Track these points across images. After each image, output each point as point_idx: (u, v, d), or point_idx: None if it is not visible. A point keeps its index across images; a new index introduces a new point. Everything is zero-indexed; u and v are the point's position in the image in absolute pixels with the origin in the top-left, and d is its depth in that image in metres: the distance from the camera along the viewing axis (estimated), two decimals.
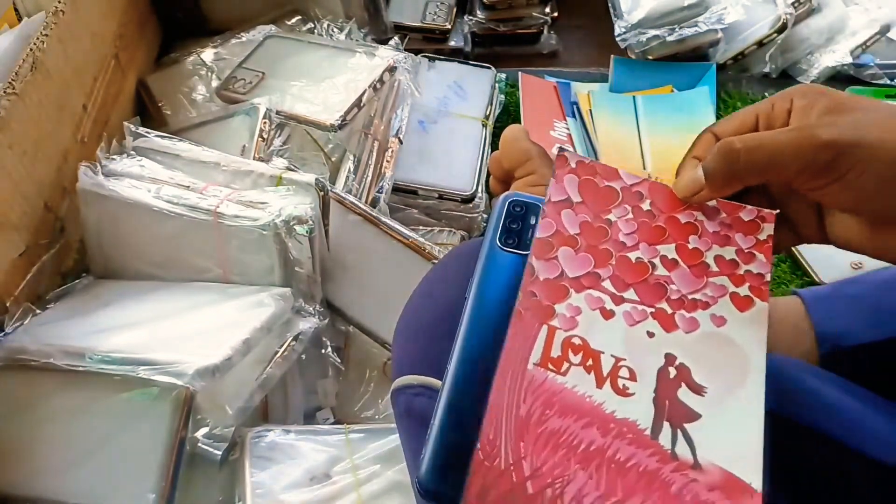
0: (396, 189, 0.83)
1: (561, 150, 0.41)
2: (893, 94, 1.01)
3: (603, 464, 0.32)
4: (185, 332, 0.61)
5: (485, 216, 0.85)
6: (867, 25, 1.05)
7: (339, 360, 0.71)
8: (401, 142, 0.84)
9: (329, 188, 0.71)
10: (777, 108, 0.39)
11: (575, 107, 1.01)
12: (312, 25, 1.00)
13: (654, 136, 0.97)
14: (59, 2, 0.75)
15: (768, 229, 0.40)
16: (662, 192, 0.41)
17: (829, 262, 0.83)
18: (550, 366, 0.34)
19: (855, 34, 1.05)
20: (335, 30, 0.97)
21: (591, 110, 0.99)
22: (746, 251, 0.39)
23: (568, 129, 0.98)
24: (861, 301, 0.60)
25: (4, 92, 0.65)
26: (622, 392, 0.34)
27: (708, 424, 0.34)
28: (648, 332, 0.36)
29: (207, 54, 0.95)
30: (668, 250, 0.39)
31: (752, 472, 0.33)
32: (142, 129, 0.77)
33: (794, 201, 0.41)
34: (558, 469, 0.31)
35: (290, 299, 0.65)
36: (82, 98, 0.79)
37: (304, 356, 0.66)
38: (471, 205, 0.84)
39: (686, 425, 0.34)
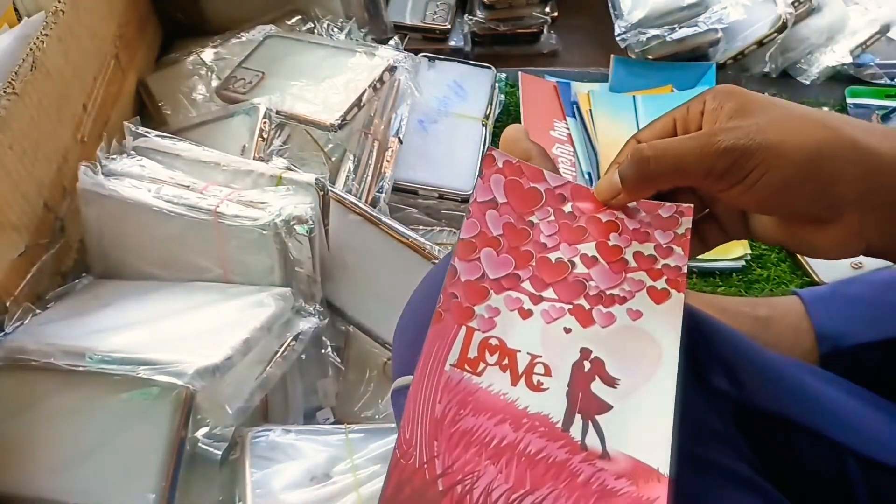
0: (396, 189, 0.83)
1: (489, 149, 0.42)
2: (893, 94, 1.01)
3: (513, 458, 0.33)
4: (185, 332, 0.61)
5: None
6: (867, 25, 1.05)
7: (339, 360, 0.71)
8: (401, 141, 0.84)
9: (329, 188, 0.71)
10: (691, 111, 0.40)
11: (575, 106, 1.01)
12: (312, 25, 1.00)
13: None
14: (59, 2, 0.75)
15: (686, 223, 0.41)
16: (584, 193, 0.42)
17: (828, 262, 0.83)
18: (467, 367, 0.35)
19: (855, 34, 1.05)
20: (335, 30, 0.97)
21: (590, 110, 0.99)
22: (665, 246, 0.40)
23: (568, 128, 0.98)
24: (861, 301, 0.60)
25: (4, 92, 0.65)
26: (536, 388, 0.35)
27: (619, 415, 0.35)
28: (565, 329, 0.37)
29: (207, 54, 0.95)
30: (589, 248, 0.40)
31: (660, 458, 0.33)
32: (142, 129, 0.77)
33: (719, 201, 0.42)
34: (469, 465, 0.32)
35: (290, 299, 0.65)
36: (82, 98, 0.79)
37: (304, 356, 0.66)
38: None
39: (597, 417, 0.35)
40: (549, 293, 0.38)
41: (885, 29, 1.04)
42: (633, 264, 0.40)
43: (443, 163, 0.87)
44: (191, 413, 0.55)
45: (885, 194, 0.36)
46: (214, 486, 0.58)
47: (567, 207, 0.41)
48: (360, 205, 0.74)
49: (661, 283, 0.39)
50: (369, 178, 0.80)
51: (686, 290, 0.39)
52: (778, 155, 0.36)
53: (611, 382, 0.36)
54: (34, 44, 0.70)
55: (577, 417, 0.34)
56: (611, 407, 0.35)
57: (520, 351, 0.36)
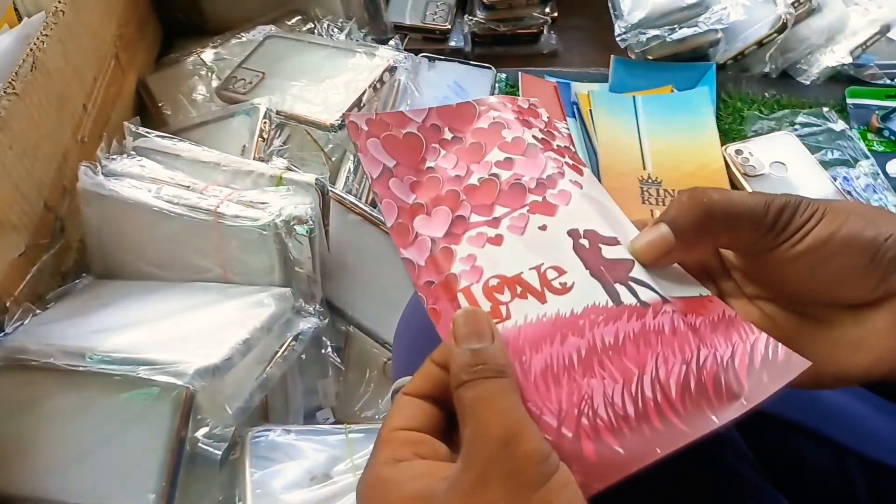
0: None
1: (346, 117, 0.41)
2: (893, 95, 1.01)
3: (603, 358, 0.31)
4: (185, 332, 0.61)
5: None
6: (867, 25, 1.05)
7: (339, 360, 0.71)
8: None
9: (329, 188, 0.71)
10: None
11: (575, 107, 1.01)
12: (312, 25, 1.00)
13: (654, 136, 0.97)
14: (59, 2, 0.75)
15: (545, 113, 0.41)
16: (451, 113, 0.40)
17: None
18: (494, 321, 0.33)
19: (855, 34, 1.05)
20: (335, 30, 0.97)
21: (591, 110, 0.99)
22: (546, 130, 0.40)
23: (568, 129, 0.98)
24: None
25: (4, 92, 0.65)
26: (563, 290, 0.33)
27: (638, 266, 0.35)
28: (539, 227, 0.36)
29: (207, 54, 0.95)
30: (495, 155, 0.38)
31: (695, 287, 0.35)
32: (142, 129, 0.77)
33: (758, 264, 0.36)
34: (574, 396, 0.30)
35: (290, 299, 0.65)
36: (82, 98, 0.79)
37: (304, 356, 0.66)
38: None
39: (630, 275, 0.34)
40: (499, 211, 0.36)
41: (885, 29, 1.04)
42: (539, 146, 0.39)
43: None
44: (191, 413, 0.55)
45: None
46: (214, 486, 0.58)
47: (447, 135, 0.40)
48: (360, 205, 0.74)
49: (569, 160, 0.39)
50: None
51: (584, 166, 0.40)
52: (838, 209, 0.32)
53: (613, 242, 0.35)
54: (34, 44, 0.70)
55: (618, 287, 0.33)
56: (632, 260, 0.35)
57: (521, 272, 0.34)
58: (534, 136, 0.39)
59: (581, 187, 0.38)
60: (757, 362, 0.31)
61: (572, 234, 0.35)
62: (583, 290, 0.33)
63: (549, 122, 0.41)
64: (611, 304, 0.33)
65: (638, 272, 0.34)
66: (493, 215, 0.36)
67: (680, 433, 0.29)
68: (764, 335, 0.32)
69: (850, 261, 0.32)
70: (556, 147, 0.39)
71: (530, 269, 0.34)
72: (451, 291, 0.34)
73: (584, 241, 0.35)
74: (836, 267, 0.32)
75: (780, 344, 0.31)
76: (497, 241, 0.35)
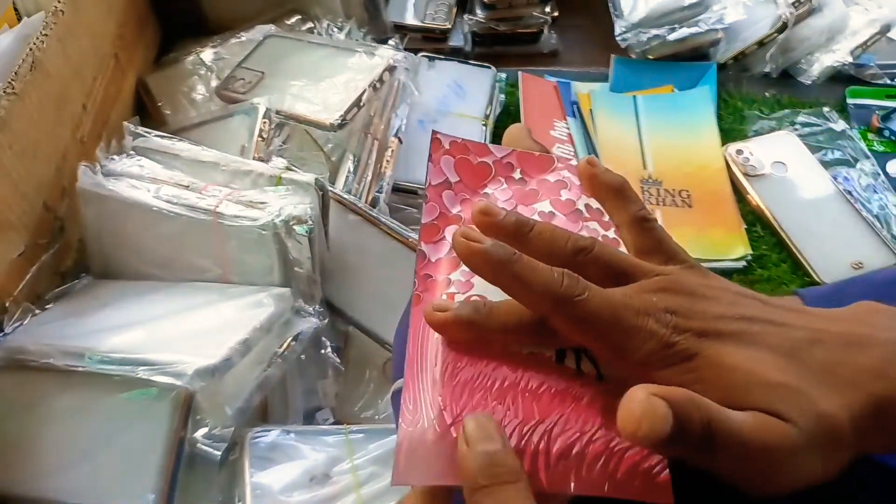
0: (396, 189, 0.83)
1: (434, 133, 0.43)
2: (893, 94, 1.01)
3: (518, 395, 0.34)
4: (185, 333, 0.61)
5: None
6: (867, 25, 1.05)
7: (338, 360, 0.71)
8: (401, 141, 0.84)
9: (329, 188, 0.70)
10: None
11: (575, 106, 1.01)
12: (312, 25, 0.99)
13: (654, 135, 0.97)
14: (59, 2, 0.75)
15: None
16: (529, 159, 0.43)
17: (829, 262, 0.83)
18: None
19: (855, 34, 1.05)
20: (335, 29, 0.97)
21: (591, 110, 0.99)
22: None
23: (568, 128, 0.98)
24: (861, 301, 0.60)
25: (4, 92, 0.65)
26: None
27: None
28: None
29: (207, 54, 0.94)
30: (544, 206, 0.41)
31: None
32: (141, 129, 0.77)
33: None
34: (478, 409, 0.33)
35: (290, 299, 0.65)
36: (82, 98, 0.79)
37: (303, 356, 0.66)
38: None
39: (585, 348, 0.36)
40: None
41: (886, 29, 1.04)
42: (586, 214, 0.41)
43: None
44: (190, 413, 0.55)
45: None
46: (214, 486, 0.58)
47: (516, 174, 0.42)
48: (360, 205, 0.74)
49: (611, 234, 0.41)
50: (369, 178, 0.80)
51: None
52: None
53: None
54: (34, 44, 0.70)
55: (569, 351, 0.35)
56: None
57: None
58: (586, 205, 0.41)
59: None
60: (641, 468, 0.32)
61: None
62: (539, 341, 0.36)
63: None
64: (553, 359, 0.35)
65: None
66: None
67: (536, 481, 0.32)
68: (664, 458, 0.33)
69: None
70: (604, 220, 0.41)
71: None
72: (439, 290, 0.37)
73: None
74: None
75: (667, 470, 0.32)
76: None
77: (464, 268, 0.37)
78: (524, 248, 0.34)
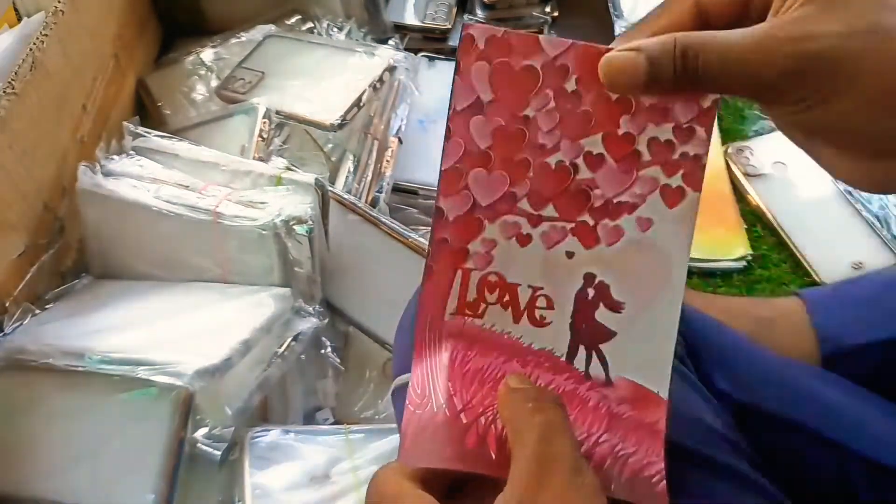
0: (396, 189, 0.83)
1: (466, 26, 0.33)
2: None
3: None
4: (185, 333, 0.61)
5: None
6: None
7: (338, 360, 0.71)
8: (401, 141, 0.84)
9: (329, 188, 0.70)
10: None
11: None
12: (312, 25, 0.99)
13: None
14: (59, 2, 0.75)
15: (712, 96, 0.34)
16: (591, 59, 0.33)
17: (829, 262, 0.83)
18: (467, 311, 0.35)
19: None
20: (335, 29, 0.97)
21: None
22: (685, 126, 0.34)
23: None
24: (862, 302, 0.60)
25: (4, 92, 0.65)
26: (539, 323, 0.35)
27: (622, 341, 0.35)
28: (567, 253, 0.35)
29: (207, 54, 0.94)
30: (594, 144, 0.34)
31: (658, 382, 0.34)
32: (141, 129, 0.77)
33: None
34: (487, 399, 0.33)
35: (290, 299, 0.65)
36: (82, 98, 0.79)
37: (303, 356, 0.66)
38: None
39: (601, 346, 0.35)
40: (549, 211, 0.34)
41: None
42: (646, 157, 0.34)
43: None
44: (190, 413, 0.55)
45: None
46: (214, 486, 0.58)
47: (570, 84, 0.33)
48: (360, 205, 0.74)
49: (676, 180, 0.34)
50: (369, 178, 0.80)
51: (702, 188, 0.35)
52: (861, 76, 0.27)
53: (616, 307, 0.35)
54: (34, 44, 0.70)
55: (581, 349, 0.35)
56: (615, 334, 0.35)
57: (520, 285, 0.35)
58: (650, 139, 0.34)
59: (647, 227, 0.34)
60: (641, 476, 0.33)
61: (587, 278, 0.35)
62: (552, 333, 0.35)
63: (701, 113, 0.34)
64: (564, 358, 0.35)
65: (609, 346, 0.35)
66: (539, 212, 0.34)
67: None
68: (662, 464, 0.33)
69: (869, 138, 0.30)
70: (673, 159, 0.34)
71: (529, 286, 0.35)
72: (455, 263, 0.35)
73: (591, 292, 0.35)
74: (851, 137, 0.31)
75: (664, 482, 0.33)
76: (525, 240, 0.35)
77: (485, 234, 0.34)
78: None
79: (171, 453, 0.54)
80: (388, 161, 0.82)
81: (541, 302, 0.35)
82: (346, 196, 0.74)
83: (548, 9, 1.12)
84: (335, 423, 0.68)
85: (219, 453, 0.57)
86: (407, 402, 0.33)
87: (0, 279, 0.64)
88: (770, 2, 0.30)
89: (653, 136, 0.34)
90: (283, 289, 0.65)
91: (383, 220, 0.73)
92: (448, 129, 0.34)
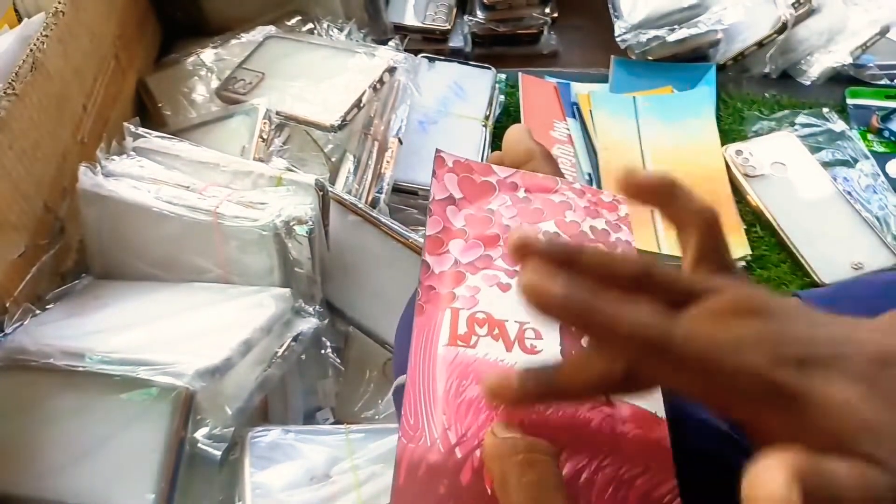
0: (396, 189, 0.83)
1: (438, 151, 0.43)
2: (894, 95, 1.01)
3: (524, 417, 0.33)
4: (185, 333, 0.61)
5: None
6: (867, 26, 1.05)
7: (338, 361, 0.71)
8: (401, 142, 0.84)
9: (329, 189, 0.70)
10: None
11: (575, 107, 1.01)
12: (312, 26, 1.00)
13: (654, 136, 0.97)
14: (59, 2, 0.75)
15: (625, 209, 0.43)
16: (534, 180, 0.43)
17: (829, 262, 0.83)
18: (459, 342, 0.35)
19: (855, 34, 1.05)
20: (335, 30, 0.97)
21: (591, 111, 0.99)
22: (613, 223, 0.42)
23: (568, 129, 0.98)
24: (862, 302, 0.60)
25: (4, 92, 0.65)
26: (531, 351, 0.36)
27: None
28: None
29: (207, 55, 0.95)
30: (549, 225, 0.41)
31: (655, 404, 0.35)
32: (141, 130, 0.77)
33: None
34: (483, 431, 0.32)
35: (290, 300, 0.65)
36: (82, 98, 0.79)
37: (303, 356, 0.66)
38: None
39: None
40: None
41: (885, 30, 1.04)
42: (590, 236, 0.41)
43: None
44: (190, 413, 0.55)
45: None
46: (214, 486, 0.58)
47: (521, 193, 0.43)
48: (360, 205, 0.74)
49: (623, 235, 0.41)
50: (369, 179, 0.80)
51: None
52: None
53: None
54: (34, 44, 0.70)
55: None
56: None
57: (507, 321, 0.36)
58: (591, 226, 0.42)
59: None
60: (652, 496, 0.32)
61: None
62: (545, 360, 0.35)
63: (620, 218, 0.43)
64: None
65: None
66: (514, 268, 0.39)
67: None
68: (674, 481, 0.33)
69: None
70: (611, 241, 0.41)
71: (516, 321, 0.37)
72: (443, 304, 0.37)
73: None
74: None
75: (678, 499, 0.32)
76: (505, 288, 0.38)
77: (468, 283, 0.38)
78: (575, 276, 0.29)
79: (171, 453, 0.54)
80: (388, 162, 0.82)
81: (529, 333, 0.36)
82: (346, 196, 0.74)
83: (547, 9, 1.12)
84: (335, 423, 0.68)
85: (219, 453, 0.57)
86: (400, 434, 0.32)
87: (0, 279, 0.64)
88: None
89: (592, 224, 0.42)
90: (283, 289, 0.65)
91: (383, 220, 0.73)
92: (429, 209, 0.41)
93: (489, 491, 0.31)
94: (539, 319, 0.33)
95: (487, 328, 0.36)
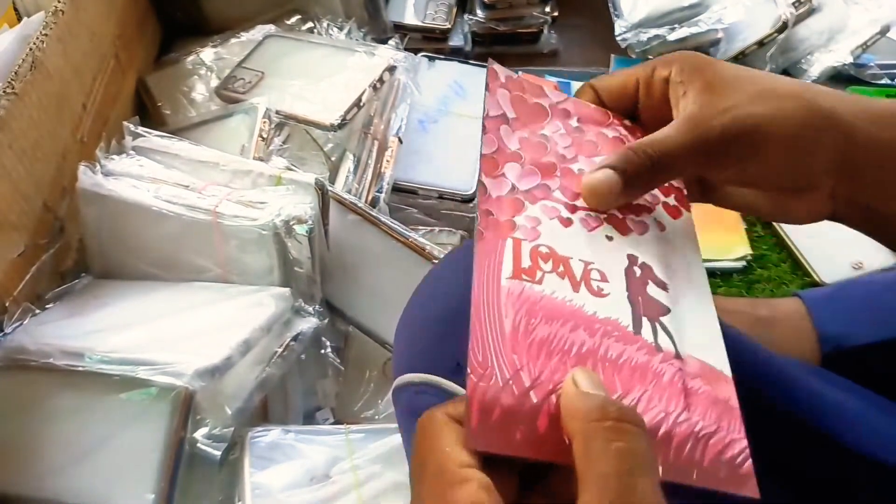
0: (396, 189, 0.83)
1: (490, 62, 0.41)
2: (894, 94, 1.01)
3: (598, 362, 0.32)
4: (185, 332, 0.61)
5: None
6: (867, 25, 1.05)
7: (338, 360, 0.71)
8: (401, 141, 0.84)
9: (329, 188, 0.70)
10: (656, 76, 0.40)
11: None
12: (312, 25, 0.99)
13: None
14: (59, 2, 0.75)
15: None
16: (586, 109, 0.42)
17: (829, 262, 0.83)
18: (524, 276, 0.33)
19: (855, 34, 1.05)
20: (335, 29, 0.97)
21: None
22: None
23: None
24: (862, 302, 0.60)
25: (4, 92, 0.65)
26: (598, 293, 0.34)
27: (676, 317, 0.35)
28: (607, 237, 0.37)
29: (207, 54, 0.94)
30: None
31: (721, 362, 0.34)
32: (141, 129, 0.77)
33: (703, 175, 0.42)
34: (557, 374, 0.30)
35: (290, 299, 0.65)
36: (82, 97, 0.79)
37: (303, 356, 0.66)
38: (471, 205, 0.84)
39: (662, 319, 0.35)
40: (581, 202, 0.38)
41: (886, 29, 1.04)
42: None
43: (443, 163, 0.87)
44: (190, 413, 0.55)
45: (856, 161, 0.37)
46: (214, 486, 0.58)
47: (573, 122, 0.41)
48: (360, 205, 0.74)
49: (671, 200, 0.40)
50: (369, 178, 0.80)
51: (691, 209, 0.40)
52: (768, 135, 0.37)
53: (662, 286, 0.36)
54: (34, 44, 0.70)
55: (645, 320, 0.34)
56: (669, 309, 0.35)
57: (571, 258, 0.35)
58: None
59: (663, 229, 0.39)
60: (725, 457, 0.31)
61: (631, 258, 0.36)
62: (614, 304, 0.34)
63: None
64: (631, 328, 0.33)
65: (668, 320, 0.35)
66: (574, 202, 0.38)
67: None
68: (745, 441, 0.31)
69: (780, 175, 0.38)
70: (664, 185, 0.41)
71: (580, 260, 0.35)
72: (504, 232, 0.35)
73: (637, 270, 0.36)
74: (768, 177, 0.38)
75: (749, 460, 0.31)
76: (566, 223, 0.37)
77: (528, 212, 0.36)
78: None
79: (170, 453, 0.54)
80: (388, 161, 0.82)
81: (595, 275, 0.35)
82: (346, 196, 0.74)
83: (548, 9, 1.12)
84: (335, 423, 0.68)
85: (219, 453, 0.57)
86: (469, 370, 0.29)
87: (0, 279, 0.64)
88: (655, 99, 0.41)
89: None
90: (282, 289, 0.65)
91: (383, 219, 0.73)
92: (483, 126, 0.38)
93: (567, 441, 0.28)
94: (605, 260, 0.35)
95: (552, 264, 0.34)
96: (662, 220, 0.39)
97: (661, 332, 0.34)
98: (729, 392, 0.33)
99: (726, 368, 0.34)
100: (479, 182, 0.36)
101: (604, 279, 0.35)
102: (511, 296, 0.32)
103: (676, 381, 0.32)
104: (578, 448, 0.27)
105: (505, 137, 0.38)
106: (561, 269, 0.34)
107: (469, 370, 0.29)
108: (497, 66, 0.41)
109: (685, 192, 0.41)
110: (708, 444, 0.31)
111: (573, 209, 0.37)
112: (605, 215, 0.38)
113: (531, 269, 0.34)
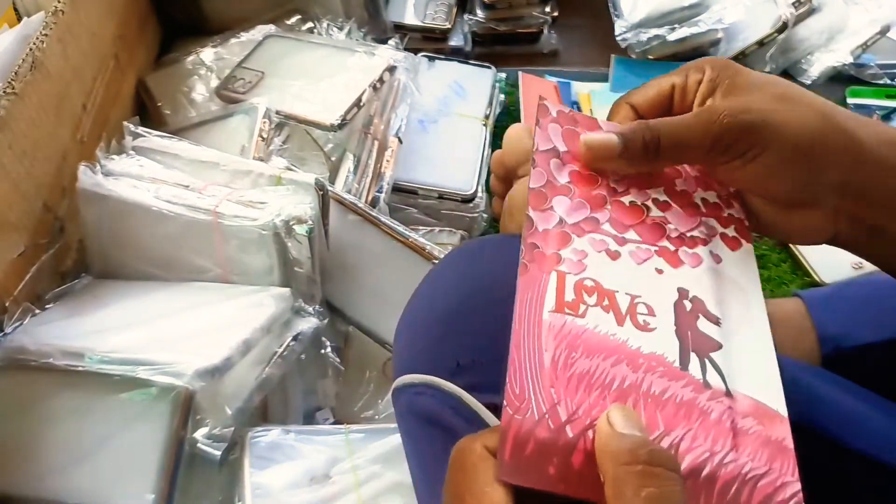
0: (396, 189, 0.83)
1: (540, 98, 0.42)
2: (894, 94, 1.01)
3: (640, 399, 0.31)
4: (185, 333, 0.61)
5: (485, 216, 0.85)
6: (867, 25, 1.05)
7: (338, 360, 0.71)
8: (401, 141, 0.84)
9: (329, 188, 0.70)
10: (690, 80, 0.41)
11: (575, 106, 1.01)
12: (312, 25, 0.99)
13: None
14: (59, 2, 0.75)
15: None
16: None
17: (829, 262, 0.83)
18: (567, 310, 0.33)
19: (855, 34, 1.05)
20: (335, 29, 0.97)
21: (591, 110, 0.99)
22: (725, 197, 0.41)
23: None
24: (862, 302, 0.60)
25: (4, 92, 0.65)
26: (643, 327, 0.33)
27: (729, 354, 0.33)
28: (657, 269, 0.36)
29: (207, 54, 0.94)
30: (659, 193, 0.39)
31: (777, 401, 0.33)
32: (141, 129, 0.77)
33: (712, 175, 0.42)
34: (595, 410, 0.30)
35: (290, 299, 0.65)
36: (82, 98, 0.79)
37: (303, 356, 0.66)
38: (471, 204, 0.84)
39: (712, 354, 0.33)
40: (631, 235, 0.37)
41: (886, 29, 1.04)
42: (703, 209, 0.39)
43: (443, 163, 0.87)
44: (190, 413, 0.55)
45: (863, 184, 0.37)
46: (214, 486, 0.58)
47: None
48: (360, 205, 0.74)
49: (731, 231, 0.39)
50: (369, 178, 0.80)
51: (752, 241, 0.39)
52: (778, 135, 0.37)
53: (715, 321, 0.35)
54: (34, 44, 0.70)
55: (693, 356, 0.33)
56: (721, 345, 0.34)
57: (617, 291, 0.34)
58: (703, 199, 0.40)
59: (719, 261, 0.38)
60: (774, 501, 0.30)
61: (681, 291, 0.36)
62: (660, 339, 0.33)
63: (730, 194, 0.41)
64: (677, 364, 0.32)
65: (719, 357, 0.33)
66: (623, 235, 0.37)
67: None
68: (798, 485, 0.30)
69: (785, 184, 0.38)
70: (724, 216, 0.40)
71: (626, 293, 0.34)
72: (548, 266, 0.35)
73: (688, 304, 0.35)
74: (772, 183, 0.38)
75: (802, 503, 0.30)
76: (614, 256, 0.36)
77: (575, 245, 0.36)
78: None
79: (171, 453, 0.54)
80: (388, 161, 0.82)
81: (641, 308, 0.34)
82: (346, 196, 0.74)
83: (548, 9, 1.12)
84: (335, 423, 0.68)
85: (219, 453, 0.57)
86: (505, 403, 0.29)
87: (0, 279, 0.64)
88: (689, 102, 0.41)
89: (703, 197, 0.40)
90: (283, 289, 0.65)
91: (383, 220, 0.73)
92: (533, 160, 0.38)
93: (602, 479, 0.28)
94: (653, 293, 0.34)
95: (597, 297, 0.34)
96: (720, 251, 0.38)
97: (710, 369, 0.33)
98: (784, 432, 0.32)
99: (782, 408, 0.33)
100: (526, 215, 0.36)
101: (651, 313, 0.34)
102: (552, 329, 0.32)
103: (724, 420, 0.31)
104: (609, 491, 0.27)
105: (555, 171, 0.38)
106: (606, 302, 0.34)
107: (505, 402, 0.29)
108: (548, 103, 0.41)
109: (746, 223, 0.40)
110: (756, 487, 0.30)
111: (622, 242, 0.37)
112: (656, 248, 0.37)
113: (574, 303, 0.33)
